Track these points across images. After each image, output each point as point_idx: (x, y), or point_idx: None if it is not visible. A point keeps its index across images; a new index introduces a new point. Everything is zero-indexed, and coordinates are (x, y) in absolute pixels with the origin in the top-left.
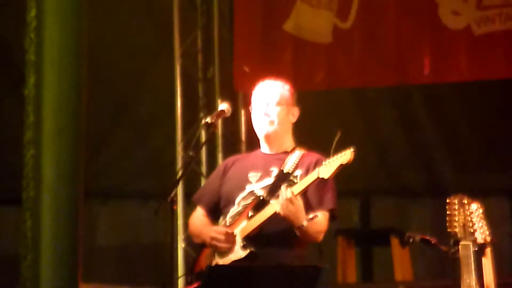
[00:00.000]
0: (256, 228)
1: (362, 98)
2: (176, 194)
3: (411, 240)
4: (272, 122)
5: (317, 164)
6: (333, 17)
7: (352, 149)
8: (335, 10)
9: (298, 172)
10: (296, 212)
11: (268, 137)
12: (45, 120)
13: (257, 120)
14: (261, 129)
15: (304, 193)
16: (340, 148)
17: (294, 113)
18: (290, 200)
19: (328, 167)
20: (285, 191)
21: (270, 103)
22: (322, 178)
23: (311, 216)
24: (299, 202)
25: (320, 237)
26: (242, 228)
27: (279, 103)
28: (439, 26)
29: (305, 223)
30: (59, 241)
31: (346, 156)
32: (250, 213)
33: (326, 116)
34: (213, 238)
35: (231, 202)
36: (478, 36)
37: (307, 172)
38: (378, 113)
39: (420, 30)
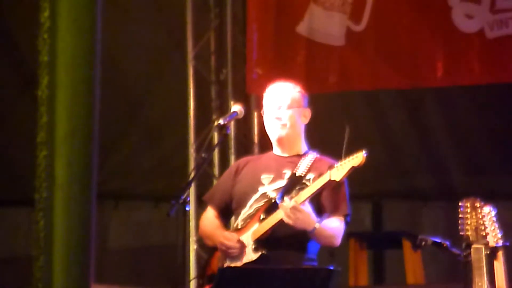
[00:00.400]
0: (267, 231)
1: (375, 100)
2: (188, 196)
3: (423, 243)
4: (284, 126)
5: (329, 169)
6: (346, 19)
7: (364, 152)
8: (349, 12)
9: (311, 176)
10: (305, 218)
11: (280, 140)
12: (58, 121)
13: (269, 124)
14: (273, 133)
15: (318, 199)
16: (351, 150)
17: (306, 115)
18: (295, 209)
19: (339, 170)
20: (288, 202)
21: (281, 106)
22: (334, 181)
23: (321, 218)
24: (307, 207)
25: (337, 242)
26: (254, 231)
27: (290, 106)
28: (452, 29)
29: (317, 225)
30: (71, 242)
31: (358, 158)
32: (262, 216)
33: (338, 119)
34: (222, 244)
35: (243, 204)
36: (491, 39)
37: (319, 176)
38: (390, 116)
39: (433, 33)
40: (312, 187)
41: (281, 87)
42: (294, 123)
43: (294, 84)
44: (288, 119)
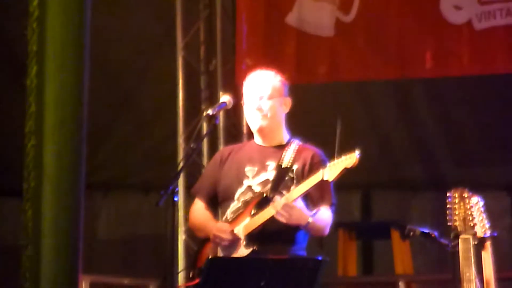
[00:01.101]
0: (259, 226)
1: (364, 91)
2: (177, 186)
3: (411, 233)
4: (265, 116)
5: (313, 158)
6: (335, 10)
7: (357, 153)
8: (338, 3)
9: (295, 167)
10: (298, 214)
11: (262, 131)
12: (47, 110)
13: (250, 114)
14: (254, 123)
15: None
16: (343, 144)
17: (287, 103)
18: (287, 206)
19: (332, 169)
20: (279, 201)
21: (263, 97)
22: (326, 180)
23: (314, 211)
24: (299, 203)
25: (326, 231)
26: (245, 226)
27: (271, 96)
28: (440, 20)
29: (310, 219)
30: (60, 232)
31: (351, 159)
32: (253, 211)
33: (327, 109)
34: (216, 236)
35: (230, 197)
36: (479, 30)
37: (303, 167)
38: (380, 107)
39: (422, 24)
40: (304, 185)
41: (261, 75)
42: (275, 114)
43: (275, 72)
44: (269, 109)
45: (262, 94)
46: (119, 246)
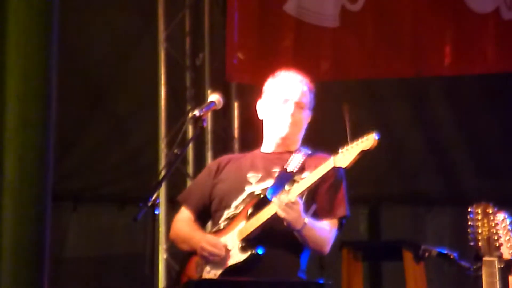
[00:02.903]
0: (257, 228)
1: (373, 92)
2: (158, 198)
3: (426, 254)
4: (295, 125)
5: (333, 154)
6: None
7: (375, 134)
8: None
9: (306, 174)
10: (298, 212)
11: (285, 139)
12: (8, 111)
13: (278, 119)
14: (281, 129)
15: (313, 197)
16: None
17: (310, 116)
18: (288, 205)
19: (346, 155)
20: (283, 196)
21: (299, 104)
22: (339, 168)
23: (308, 212)
24: (299, 204)
25: (326, 247)
26: (241, 229)
27: (306, 107)
28: (463, 9)
29: (306, 220)
30: (22, 250)
31: (368, 141)
32: (250, 211)
33: (330, 112)
34: (204, 249)
35: (226, 205)
36: (508, 20)
37: None
38: (391, 110)
39: (441, 14)
40: (312, 176)
41: (299, 80)
42: (303, 126)
43: (307, 79)
44: (302, 119)
45: (298, 101)
46: (91, 266)
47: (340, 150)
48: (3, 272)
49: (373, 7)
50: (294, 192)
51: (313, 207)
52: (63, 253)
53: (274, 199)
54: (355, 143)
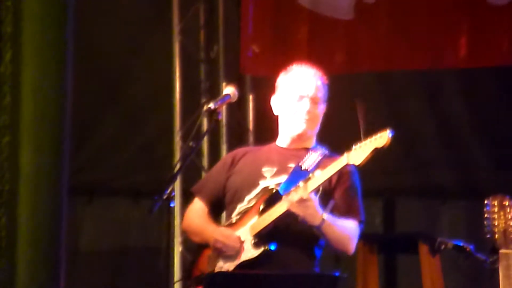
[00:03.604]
0: (269, 224)
1: (387, 84)
2: (173, 190)
3: (442, 247)
4: (311, 121)
5: (347, 151)
6: None
7: (389, 131)
8: None
9: (318, 173)
10: (314, 209)
11: (301, 136)
12: (24, 102)
13: (294, 115)
14: (297, 126)
15: (327, 199)
16: (360, 139)
17: (324, 109)
18: (300, 202)
19: (359, 152)
20: (295, 193)
21: (315, 100)
22: (352, 165)
23: (327, 207)
24: (312, 198)
25: (351, 245)
26: (253, 225)
27: (321, 102)
28: (478, 1)
29: (325, 215)
30: (38, 243)
31: (382, 139)
32: (262, 207)
33: (345, 105)
34: (217, 242)
35: (240, 199)
36: None
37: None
38: (406, 101)
39: (456, 6)
40: (325, 173)
41: (314, 75)
42: (319, 122)
43: (322, 73)
44: (318, 116)
45: (313, 96)
46: (105, 259)
47: (354, 147)
48: (20, 264)
49: None
50: (306, 188)
51: (331, 202)
52: (78, 246)
53: (285, 196)
54: (368, 140)
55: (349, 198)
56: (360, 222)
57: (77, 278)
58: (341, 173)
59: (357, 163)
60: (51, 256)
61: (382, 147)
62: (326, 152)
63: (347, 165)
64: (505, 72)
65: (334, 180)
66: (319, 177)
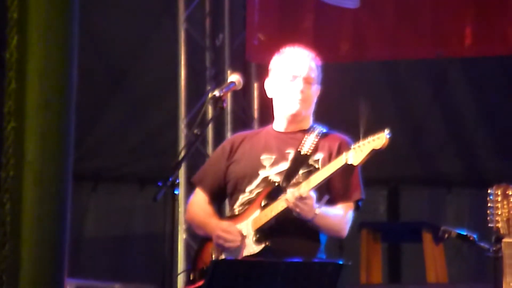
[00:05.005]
0: (270, 219)
1: (393, 72)
2: (178, 178)
3: (446, 235)
4: (304, 101)
5: (341, 147)
6: None
7: (387, 132)
8: None
9: (320, 156)
10: (308, 208)
11: (296, 116)
12: (29, 88)
13: (287, 96)
14: (291, 106)
15: (327, 181)
16: (366, 131)
17: (318, 93)
18: (300, 200)
19: (358, 152)
20: (292, 191)
21: (307, 79)
22: (351, 165)
23: (320, 202)
24: (311, 196)
25: (342, 231)
26: (255, 219)
27: (314, 81)
28: None
29: (317, 211)
30: (42, 228)
31: (379, 140)
32: (263, 202)
33: (351, 93)
34: (219, 237)
35: (241, 190)
36: None
37: (330, 156)
38: (411, 90)
39: None
40: (324, 172)
41: (305, 55)
42: (312, 101)
43: (314, 54)
44: (311, 95)
45: (306, 76)
46: (110, 246)
47: (352, 147)
48: (24, 250)
49: None
50: (305, 187)
51: (325, 197)
52: (83, 233)
53: (285, 195)
54: (366, 140)
55: (345, 178)
56: (358, 201)
57: (82, 265)
58: (340, 153)
59: (355, 163)
60: (56, 243)
61: (380, 148)
62: (324, 131)
63: (345, 165)
64: (510, 61)
65: (333, 158)
66: (317, 176)
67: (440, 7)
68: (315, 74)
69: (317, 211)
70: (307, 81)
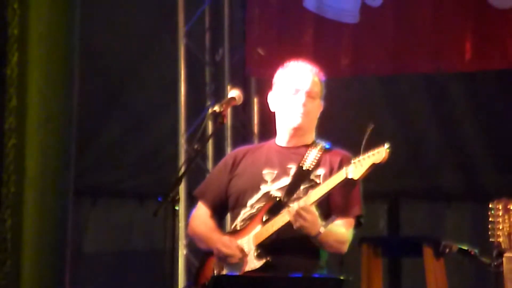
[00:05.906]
0: (271, 234)
1: (393, 87)
2: (178, 193)
3: (447, 250)
4: (307, 115)
5: (342, 162)
6: None
7: (387, 147)
8: None
9: (321, 171)
10: (313, 221)
11: (298, 130)
12: (30, 105)
13: (289, 109)
14: (293, 120)
15: (326, 196)
16: (368, 143)
17: (321, 108)
18: (304, 210)
19: (358, 167)
20: (296, 205)
21: (310, 93)
22: (351, 179)
23: (327, 222)
24: (313, 211)
25: (344, 247)
26: (256, 234)
27: (317, 96)
28: (483, 4)
29: (322, 229)
30: (43, 244)
31: (379, 154)
32: (265, 217)
33: (351, 108)
34: (220, 252)
35: (242, 204)
36: None
37: (331, 171)
38: (411, 105)
39: (462, 9)
40: (324, 187)
41: (308, 69)
42: (315, 116)
43: (317, 69)
44: (313, 109)
45: (309, 90)
46: (110, 261)
47: (352, 161)
48: (25, 265)
49: (393, 2)
50: (306, 201)
51: (333, 218)
52: (83, 248)
53: (287, 209)
54: (366, 155)
55: (346, 193)
56: (358, 217)
57: (81, 280)
58: (333, 167)
59: (355, 178)
60: (56, 258)
61: (380, 163)
62: (327, 146)
63: (345, 179)
64: (510, 75)
65: (334, 172)
66: (318, 191)
67: (439, 22)
68: (318, 88)
69: (322, 229)
70: (310, 95)
